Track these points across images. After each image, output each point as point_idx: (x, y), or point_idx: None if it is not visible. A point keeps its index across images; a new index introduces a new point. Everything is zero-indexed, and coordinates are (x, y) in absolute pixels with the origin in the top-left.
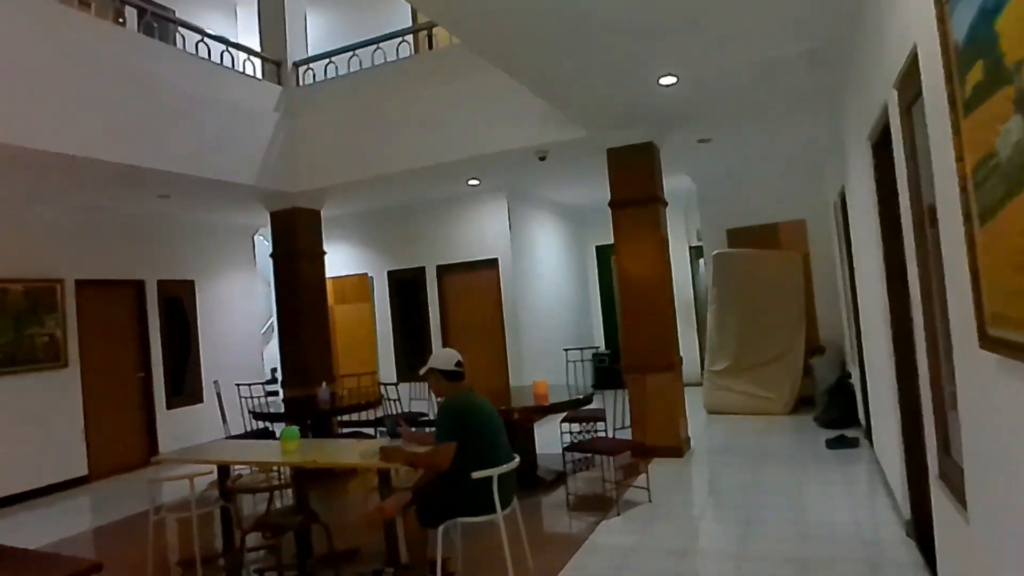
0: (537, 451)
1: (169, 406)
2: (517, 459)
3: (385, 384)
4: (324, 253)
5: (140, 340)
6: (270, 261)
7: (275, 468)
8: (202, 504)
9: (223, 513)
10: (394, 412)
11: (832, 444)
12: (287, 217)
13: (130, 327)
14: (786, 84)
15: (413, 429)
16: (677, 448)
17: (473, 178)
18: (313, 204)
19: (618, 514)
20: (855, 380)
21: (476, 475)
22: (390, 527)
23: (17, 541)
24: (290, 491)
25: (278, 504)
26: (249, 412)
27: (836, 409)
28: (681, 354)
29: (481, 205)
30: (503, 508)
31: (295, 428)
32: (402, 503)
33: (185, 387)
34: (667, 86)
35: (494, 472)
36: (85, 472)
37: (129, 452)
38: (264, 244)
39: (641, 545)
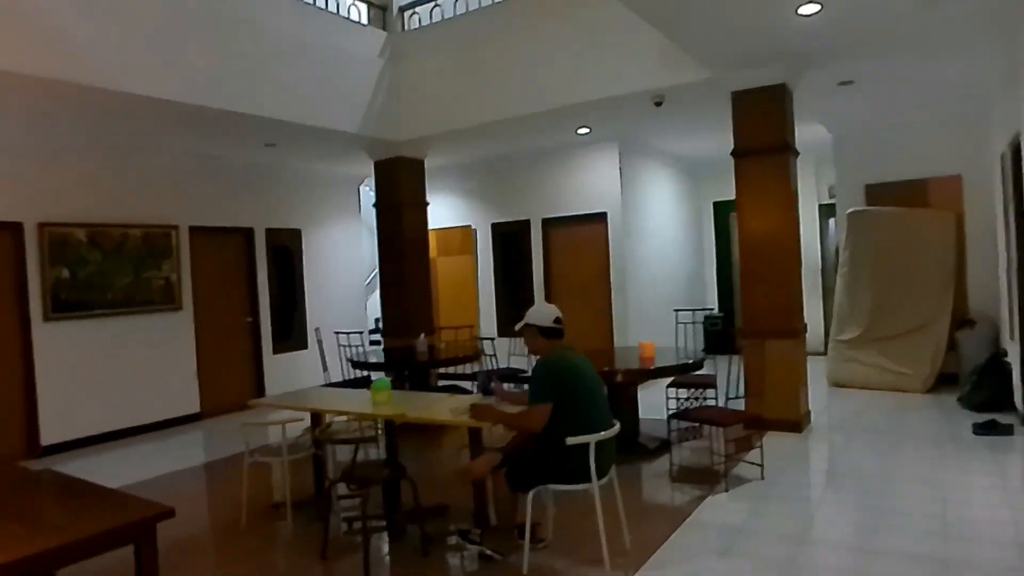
0: (640, 417)
1: (275, 351)
2: (617, 425)
3: (484, 339)
4: (427, 204)
5: (248, 286)
6: (374, 212)
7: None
8: (295, 450)
9: (315, 460)
10: (492, 368)
11: (981, 429)
12: (390, 166)
13: (239, 273)
14: (953, 7)
15: (510, 386)
16: (795, 422)
17: (583, 126)
18: (416, 153)
19: (726, 490)
20: (1013, 358)
21: (571, 441)
22: (479, 487)
23: (129, 472)
24: (381, 442)
25: (373, 455)
26: (348, 361)
27: (987, 390)
28: (805, 321)
29: (590, 155)
30: (600, 477)
31: (386, 379)
32: (492, 464)
33: (291, 333)
34: (808, 15)
35: (591, 439)
36: (197, 410)
37: (238, 393)
38: (369, 195)
39: (751, 526)
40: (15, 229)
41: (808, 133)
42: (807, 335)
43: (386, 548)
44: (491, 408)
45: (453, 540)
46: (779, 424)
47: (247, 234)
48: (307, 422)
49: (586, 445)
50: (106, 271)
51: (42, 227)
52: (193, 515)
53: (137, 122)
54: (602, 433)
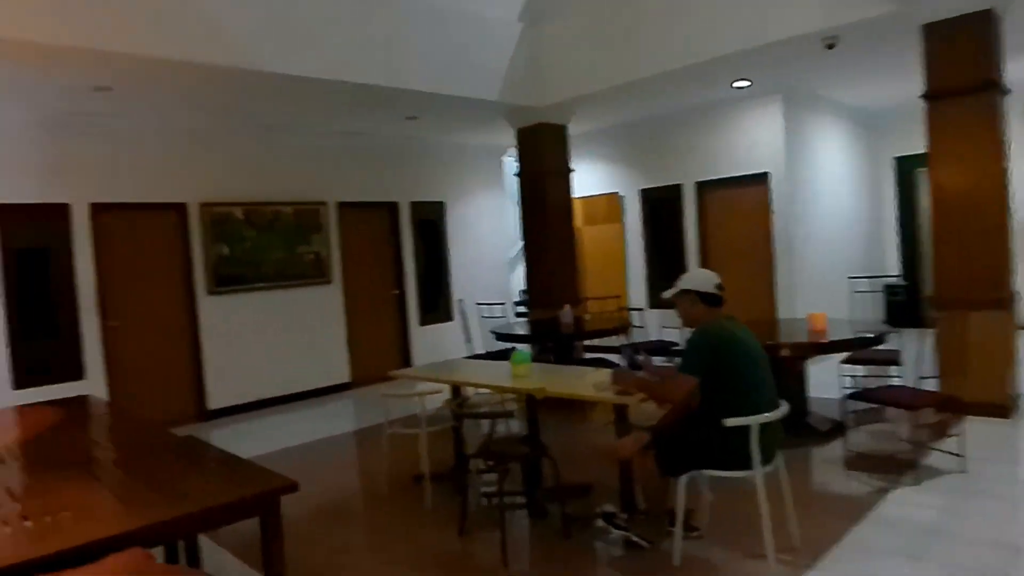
0: (809, 396)
1: (422, 322)
2: (785, 407)
3: (633, 310)
4: (571, 171)
5: (395, 259)
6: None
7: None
8: (434, 422)
9: (456, 433)
10: (640, 341)
11: None
12: (532, 134)
13: (386, 246)
14: None
15: (660, 361)
16: (1002, 406)
17: (740, 79)
18: (559, 119)
19: (917, 482)
20: None
21: (729, 423)
22: (626, 468)
23: (281, 437)
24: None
25: (516, 429)
26: (491, 332)
27: None
28: (1016, 289)
29: (749, 111)
30: (764, 464)
31: (526, 352)
32: (639, 444)
33: (436, 305)
34: None
35: (753, 420)
36: (348, 379)
37: (386, 363)
38: (513, 165)
39: (950, 527)
40: (180, 210)
41: (1021, 69)
42: (1017, 305)
43: (526, 527)
44: (631, 375)
45: (599, 524)
46: (981, 408)
47: (392, 208)
48: (447, 394)
49: (746, 428)
50: (260, 247)
51: (203, 207)
52: (336, 483)
53: (285, 103)
54: (767, 415)
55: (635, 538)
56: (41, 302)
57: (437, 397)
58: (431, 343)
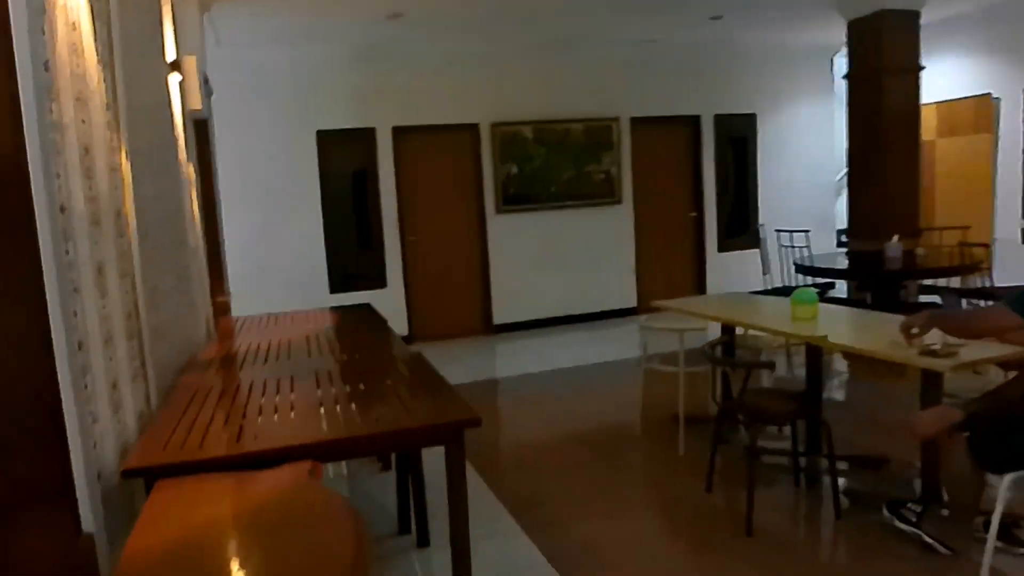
0: None
1: (720, 248)
2: None
3: (979, 245)
4: (920, 68)
5: (693, 178)
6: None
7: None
8: (695, 361)
9: (723, 377)
10: (990, 284)
11: None
12: (870, 25)
13: (683, 165)
14: None
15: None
16: None
17: None
18: (909, 2)
19: None
20: None
21: None
22: (929, 450)
23: (556, 357)
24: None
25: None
26: (793, 264)
27: None
28: None
29: None
30: None
31: (811, 291)
32: (947, 422)
33: (739, 230)
34: None
35: None
36: (634, 304)
37: (677, 291)
38: (842, 67)
39: None
40: (473, 130)
41: None
42: None
43: (789, 495)
44: (932, 315)
45: (885, 514)
46: None
47: (693, 122)
48: (717, 331)
49: None
50: (549, 166)
51: (494, 127)
52: (594, 412)
53: (575, 14)
54: None
55: (928, 539)
56: (352, 218)
57: (700, 334)
58: (729, 272)
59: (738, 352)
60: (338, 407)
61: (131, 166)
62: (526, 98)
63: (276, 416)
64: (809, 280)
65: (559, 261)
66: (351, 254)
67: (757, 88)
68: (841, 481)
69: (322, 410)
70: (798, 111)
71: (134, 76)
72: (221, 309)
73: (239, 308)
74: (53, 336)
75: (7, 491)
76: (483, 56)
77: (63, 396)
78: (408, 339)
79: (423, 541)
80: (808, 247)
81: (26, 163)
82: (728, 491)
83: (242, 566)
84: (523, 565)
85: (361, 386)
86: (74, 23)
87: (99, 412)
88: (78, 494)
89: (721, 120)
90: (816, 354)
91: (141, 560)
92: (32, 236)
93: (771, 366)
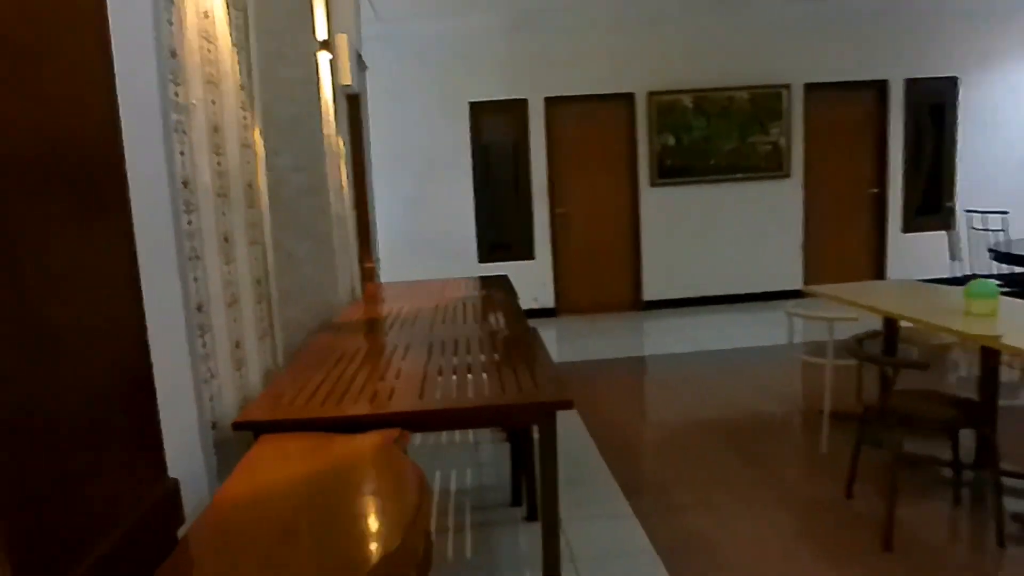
0: None
1: (905, 228)
2: None
3: None
4: None
5: (876, 151)
6: None
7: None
8: (844, 354)
9: (880, 373)
10: None
11: None
12: None
13: (865, 135)
14: None
15: None
16: None
17: None
18: None
19: None
20: None
21: None
22: None
23: (706, 338)
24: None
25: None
26: (989, 250)
27: None
28: None
29: None
30: None
31: (990, 283)
32: None
33: (931, 210)
34: None
35: None
36: (799, 286)
37: (850, 274)
38: None
39: None
40: (628, 100)
41: None
42: None
43: (943, 512)
44: None
45: None
46: None
47: (879, 88)
48: (875, 323)
49: None
50: (709, 137)
51: (651, 96)
52: (736, 400)
53: None
54: None
55: None
56: (502, 189)
57: (852, 324)
58: (915, 255)
59: (901, 348)
60: (440, 378)
61: (266, 140)
62: (686, 65)
63: (381, 383)
64: (1005, 268)
65: (716, 237)
66: (500, 225)
67: (960, 47)
68: (1009, 503)
69: (423, 382)
70: (1011, 75)
71: (276, 56)
72: (368, 275)
73: (390, 274)
74: (167, 299)
75: (96, 437)
76: (641, 21)
77: (173, 353)
78: (554, 312)
79: (532, 515)
80: (1005, 230)
81: (121, 143)
82: (871, 498)
83: (305, 521)
84: (625, 550)
85: (468, 359)
86: (206, 12)
87: (218, 368)
88: (165, 441)
89: (914, 85)
90: (992, 356)
91: (228, 506)
92: (126, 211)
93: (922, 366)
